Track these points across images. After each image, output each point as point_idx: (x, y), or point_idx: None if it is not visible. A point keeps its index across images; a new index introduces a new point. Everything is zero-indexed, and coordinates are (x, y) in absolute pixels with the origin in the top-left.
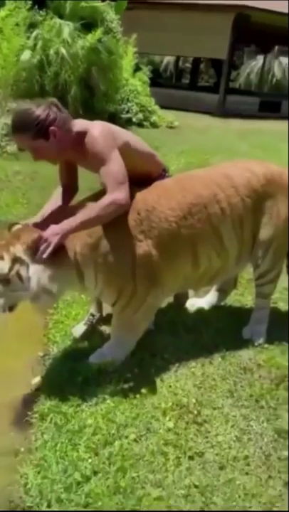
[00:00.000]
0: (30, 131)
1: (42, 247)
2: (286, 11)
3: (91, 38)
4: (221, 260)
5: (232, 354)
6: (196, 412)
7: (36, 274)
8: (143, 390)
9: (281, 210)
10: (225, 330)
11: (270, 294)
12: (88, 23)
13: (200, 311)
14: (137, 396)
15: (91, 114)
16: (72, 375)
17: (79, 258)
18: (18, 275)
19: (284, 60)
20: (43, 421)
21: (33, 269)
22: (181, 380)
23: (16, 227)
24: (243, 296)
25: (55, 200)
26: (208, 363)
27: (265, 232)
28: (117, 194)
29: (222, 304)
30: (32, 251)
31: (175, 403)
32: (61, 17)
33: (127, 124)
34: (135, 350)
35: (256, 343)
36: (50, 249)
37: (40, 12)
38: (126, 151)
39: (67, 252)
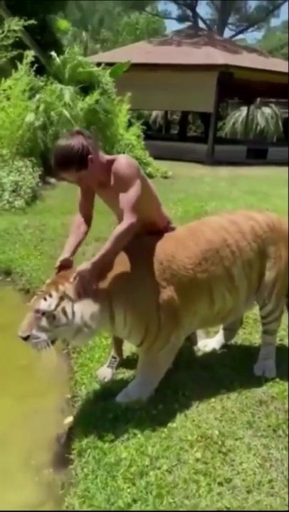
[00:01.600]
0: (74, 166)
1: (77, 289)
2: (265, 67)
3: (89, 100)
4: (233, 299)
5: (247, 389)
6: (220, 442)
7: (80, 310)
8: (169, 425)
9: (283, 255)
10: (237, 367)
11: (275, 330)
12: (85, 86)
13: (212, 351)
14: (165, 430)
15: None
16: (103, 414)
17: (113, 303)
18: (64, 311)
19: (266, 110)
20: (81, 456)
21: (77, 306)
22: (203, 414)
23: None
24: (251, 335)
25: (76, 231)
26: (226, 398)
27: (270, 275)
28: (132, 219)
29: (232, 342)
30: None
31: (200, 435)
32: (60, 81)
33: None
34: (158, 388)
35: (268, 377)
36: (83, 289)
37: (42, 78)
38: (143, 185)
39: (104, 295)
